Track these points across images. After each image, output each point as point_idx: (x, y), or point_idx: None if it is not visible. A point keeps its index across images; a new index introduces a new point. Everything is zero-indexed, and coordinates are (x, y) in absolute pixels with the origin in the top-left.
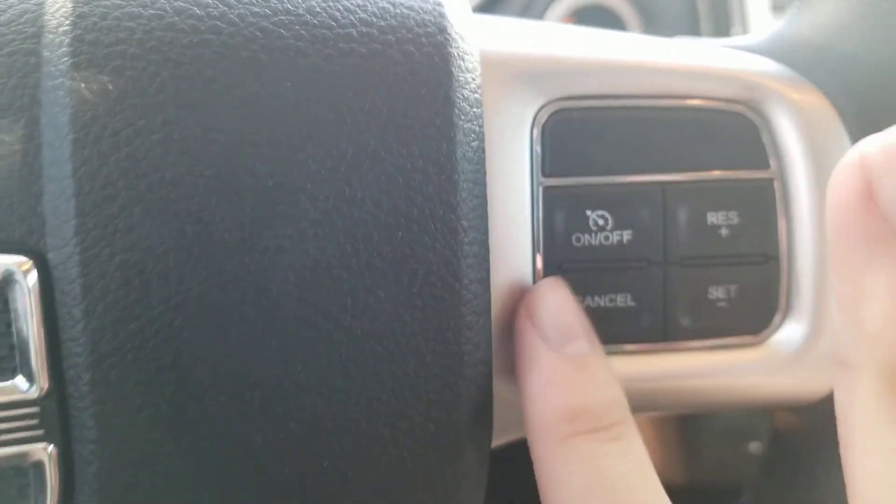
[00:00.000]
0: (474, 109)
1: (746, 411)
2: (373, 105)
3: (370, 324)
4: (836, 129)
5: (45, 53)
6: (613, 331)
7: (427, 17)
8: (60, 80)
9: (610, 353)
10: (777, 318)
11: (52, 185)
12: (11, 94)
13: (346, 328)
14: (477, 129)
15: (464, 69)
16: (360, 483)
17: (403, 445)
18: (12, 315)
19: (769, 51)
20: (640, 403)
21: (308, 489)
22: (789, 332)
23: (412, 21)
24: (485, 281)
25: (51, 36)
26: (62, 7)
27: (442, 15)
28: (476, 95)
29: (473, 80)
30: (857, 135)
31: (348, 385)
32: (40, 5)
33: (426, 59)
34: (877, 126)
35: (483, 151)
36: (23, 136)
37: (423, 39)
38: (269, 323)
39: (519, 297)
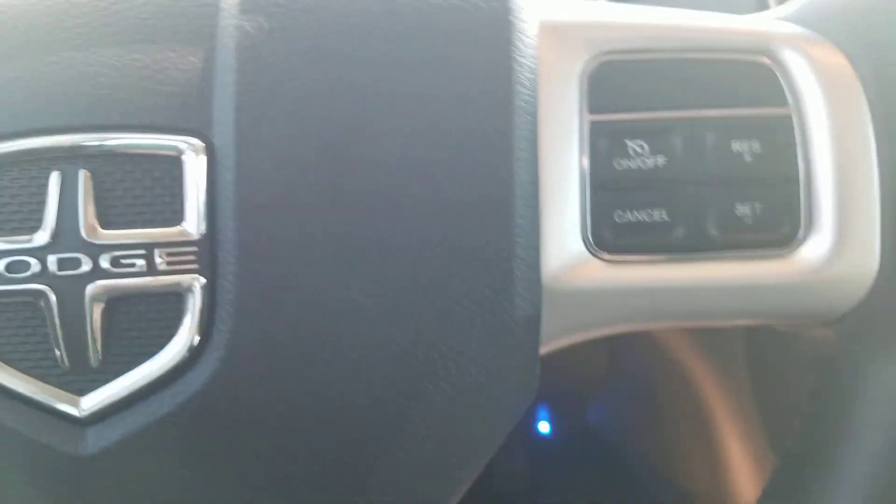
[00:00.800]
0: (529, 49)
1: (777, 325)
2: (445, 36)
3: (436, 191)
4: (848, 74)
5: (222, 4)
6: (650, 241)
7: None
8: (231, 20)
9: (647, 262)
10: (801, 233)
11: (220, 91)
12: (197, 31)
13: (430, 188)
14: (531, 64)
15: (521, 19)
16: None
17: (474, 285)
18: (186, 179)
19: (797, 19)
20: (675, 310)
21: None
22: (814, 246)
23: None
24: (534, 183)
25: None
26: None
27: None
28: (530, 39)
29: (529, 29)
30: (871, 89)
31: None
32: None
33: (491, 12)
34: (886, 70)
35: (535, 83)
36: (203, 57)
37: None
38: (377, 187)
39: (565, 214)
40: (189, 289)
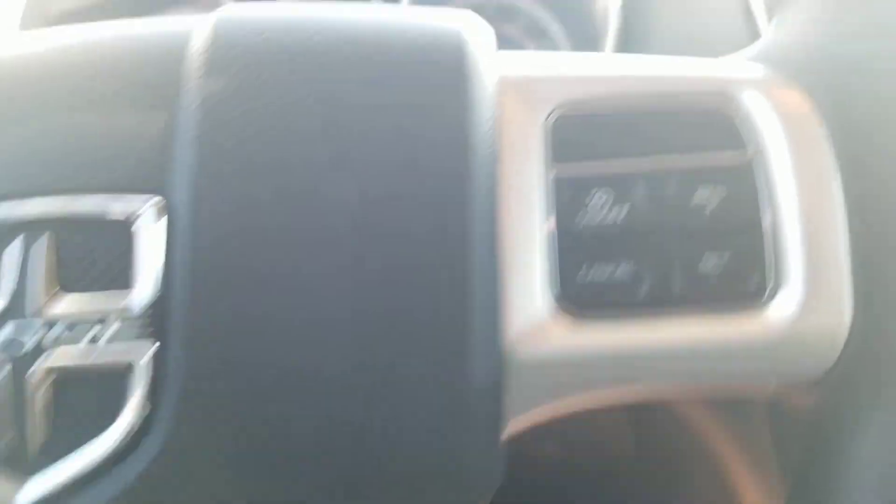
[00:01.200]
0: (488, 103)
1: (749, 389)
2: (403, 95)
3: (392, 254)
4: (812, 118)
5: (184, 67)
6: (614, 298)
7: (447, 41)
8: (195, 81)
9: (613, 320)
10: (769, 287)
11: (181, 149)
12: (162, 94)
13: (386, 251)
14: (490, 118)
15: (480, 74)
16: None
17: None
18: (139, 243)
19: (765, 58)
20: (641, 372)
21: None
22: (783, 301)
23: (437, 42)
24: (492, 242)
25: (192, 55)
26: (203, 35)
27: (460, 42)
28: (489, 92)
29: (489, 83)
30: (837, 134)
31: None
32: (188, 34)
33: (448, 67)
34: (851, 114)
35: (495, 138)
36: (166, 118)
37: (444, 55)
38: (331, 250)
39: (529, 273)
40: (132, 366)
